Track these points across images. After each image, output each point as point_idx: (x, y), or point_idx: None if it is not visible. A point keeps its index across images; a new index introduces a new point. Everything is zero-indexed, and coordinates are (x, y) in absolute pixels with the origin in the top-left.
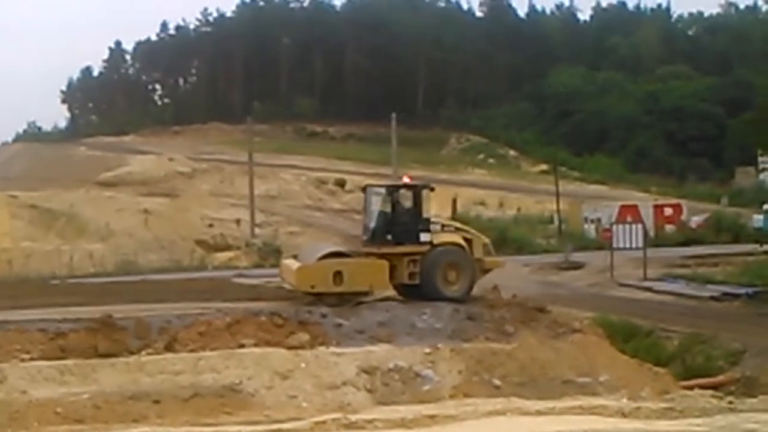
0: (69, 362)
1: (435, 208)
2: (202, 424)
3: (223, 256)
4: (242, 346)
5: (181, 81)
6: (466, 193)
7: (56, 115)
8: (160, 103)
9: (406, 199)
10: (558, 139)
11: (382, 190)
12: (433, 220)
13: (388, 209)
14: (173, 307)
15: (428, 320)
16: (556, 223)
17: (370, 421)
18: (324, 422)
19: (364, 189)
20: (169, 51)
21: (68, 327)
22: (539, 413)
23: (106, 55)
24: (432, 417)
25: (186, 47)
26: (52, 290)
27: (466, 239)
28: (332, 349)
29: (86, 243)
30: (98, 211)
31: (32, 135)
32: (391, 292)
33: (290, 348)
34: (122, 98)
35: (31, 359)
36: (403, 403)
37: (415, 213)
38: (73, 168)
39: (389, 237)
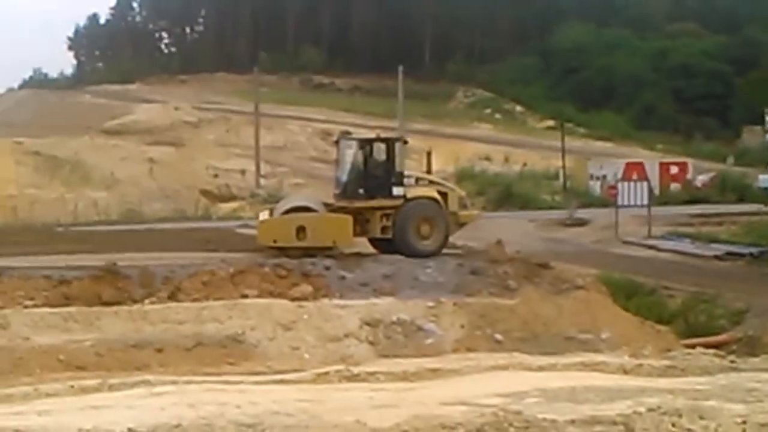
0: (72, 309)
1: (439, 162)
2: (204, 374)
3: (227, 207)
4: (245, 296)
5: (188, 30)
6: (471, 148)
7: (62, 62)
8: (166, 51)
9: (379, 152)
10: (564, 95)
11: (355, 143)
12: (407, 173)
13: (361, 162)
14: (177, 257)
15: (432, 274)
16: (562, 179)
17: (372, 374)
18: (326, 374)
19: (337, 141)
20: None
21: (72, 275)
22: (541, 369)
23: (113, 2)
24: (434, 371)
25: None
26: (56, 237)
27: (441, 193)
28: (335, 301)
29: (91, 191)
30: (103, 159)
31: (38, 82)
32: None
33: (293, 299)
34: (129, 46)
35: (35, 306)
36: (405, 356)
37: (388, 166)
38: (78, 115)
39: (361, 191)
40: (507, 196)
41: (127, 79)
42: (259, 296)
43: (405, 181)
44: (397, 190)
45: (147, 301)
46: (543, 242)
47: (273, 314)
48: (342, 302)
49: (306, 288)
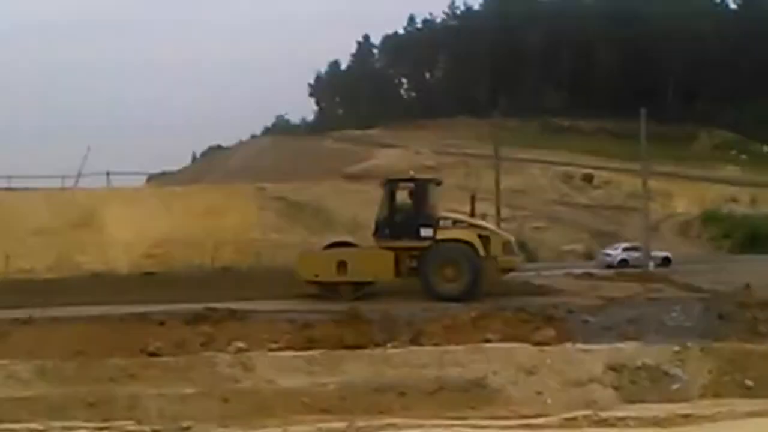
0: (316, 353)
1: (683, 205)
2: (447, 417)
3: None
4: (488, 340)
5: (427, 75)
6: (717, 190)
7: (304, 109)
8: (406, 96)
9: (409, 194)
10: None
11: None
12: (445, 215)
13: (388, 203)
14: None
15: (677, 318)
16: None
17: (621, 419)
18: (574, 419)
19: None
20: (416, 45)
21: (315, 318)
22: None
23: (353, 48)
24: (686, 416)
25: (433, 41)
26: (299, 282)
27: (482, 236)
28: (578, 345)
29: (333, 235)
30: (345, 204)
31: (281, 128)
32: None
33: (536, 344)
34: (369, 92)
35: (279, 349)
36: (650, 401)
37: (417, 208)
38: (320, 161)
39: (387, 231)
40: (754, 238)
41: (368, 124)
42: (501, 340)
43: (442, 223)
44: (425, 232)
45: (389, 345)
46: None
47: (515, 358)
48: (585, 347)
49: (549, 332)
